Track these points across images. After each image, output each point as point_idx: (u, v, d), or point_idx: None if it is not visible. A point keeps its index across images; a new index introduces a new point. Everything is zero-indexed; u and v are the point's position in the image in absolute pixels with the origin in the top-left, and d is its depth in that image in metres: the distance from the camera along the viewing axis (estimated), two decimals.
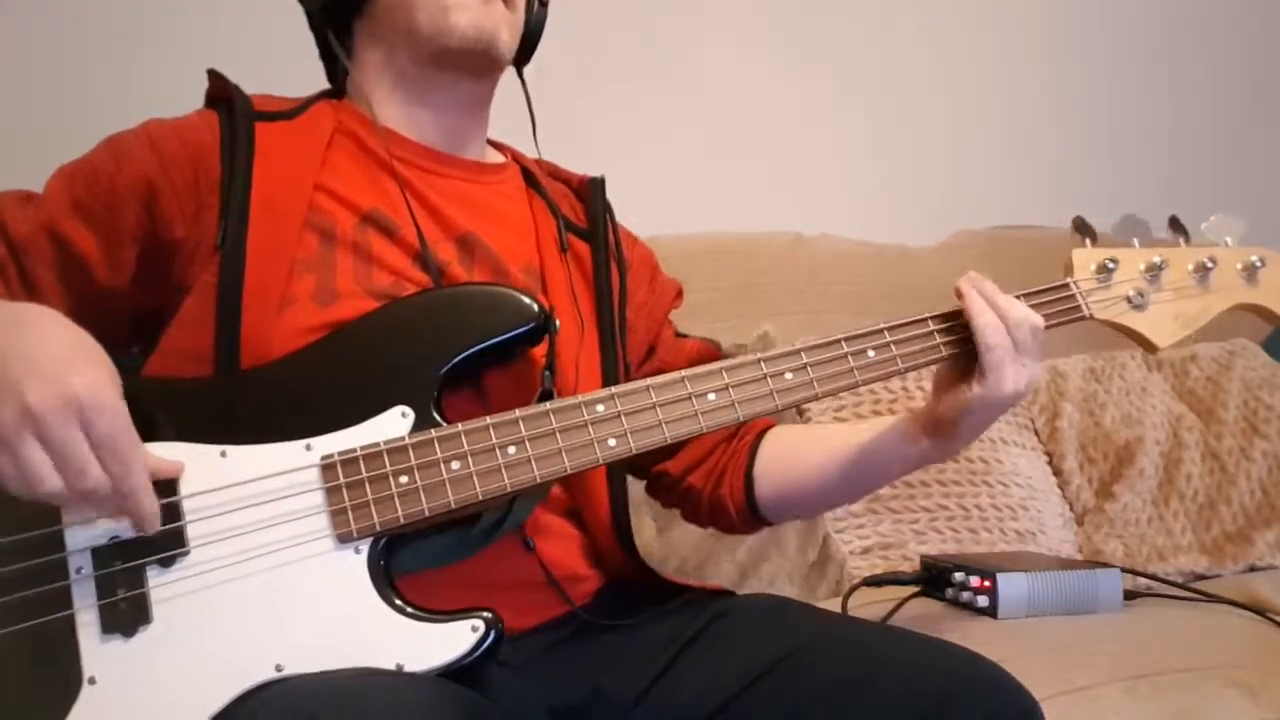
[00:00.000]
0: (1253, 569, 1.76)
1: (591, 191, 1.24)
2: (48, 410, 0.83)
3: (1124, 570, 1.51)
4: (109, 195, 1.04)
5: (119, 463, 0.85)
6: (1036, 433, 1.89)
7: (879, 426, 1.15)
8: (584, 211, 1.24)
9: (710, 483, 1.22)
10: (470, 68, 1.16)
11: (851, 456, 1.16)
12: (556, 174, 1.28)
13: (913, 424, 1.12)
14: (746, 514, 1.21)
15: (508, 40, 1.14)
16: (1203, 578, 1.73)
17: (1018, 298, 1.10)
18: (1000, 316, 1.05)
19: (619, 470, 1.14)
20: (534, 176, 1.24)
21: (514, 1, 1.16)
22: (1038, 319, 1.07)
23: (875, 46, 2.37)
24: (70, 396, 0.83)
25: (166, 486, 0.91)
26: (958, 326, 1.08)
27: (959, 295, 1.08)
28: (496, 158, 1.26)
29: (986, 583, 1.43)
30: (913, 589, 1.54)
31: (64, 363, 0.85)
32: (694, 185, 2.13)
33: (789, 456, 1.20)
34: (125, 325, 1.09)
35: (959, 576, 1.47)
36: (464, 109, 1.19)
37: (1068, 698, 1.18)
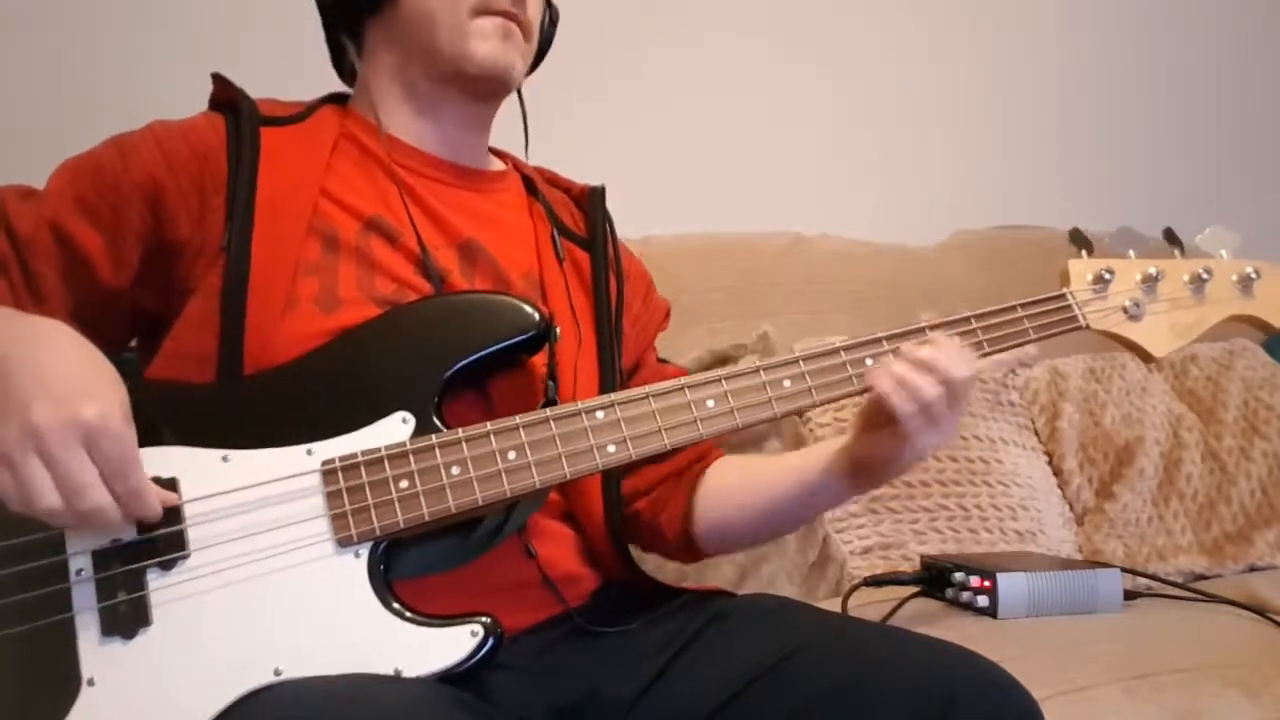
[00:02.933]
0: (1253, 569, 1.76)
1: (591, 201, 1.24)
2: (52, 429, 0.83)
3: (1124, 570, 1.51)
4: (114, 193, 1.04)
5: (128, 485, 0.86)
6: (1036, 433, 1.89)
7: (808, 467, 1.13)
8: (583, 221, 1.24)
9: (651, 510, 1.21)
10: (480, 93, 1.18)
11: (778, 495, 1.15)
12: (556, 182, 1.29)
13: (839, 464, 1.10)
14: (683, 543, 1.20)
15: (520, 70, 1.17)
16: (1203, 578, 1.73)
17: (1011, 307, 1.10)
18: (913, 397, 1.01)
19: (614, 475, 1.14)
20: (534, 184, 1.24)
21: (530, 33, 1.17)
22: (955, 379, 1.02)
23: (875, 46, 2.37)
24: (76, 417, 0.84)
25: (167, 487, 0.92)
26: (955, 336, 1.08)
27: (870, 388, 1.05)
28: (497, 165, 1.26)
29: (986, 583, 1.43)
30: (913, 589, 1.54)
31: (75, 384, 0.86)
32: (693, 185, 2.13)
33: (724, 491, 1.19)
34: (126, 325, 1.09)
35: (959, 576, 1.47)
36: (469, 125, 1.20)
37: (1068, 698, 1.18)
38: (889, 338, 1.08)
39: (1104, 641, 1.32)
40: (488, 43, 1.13)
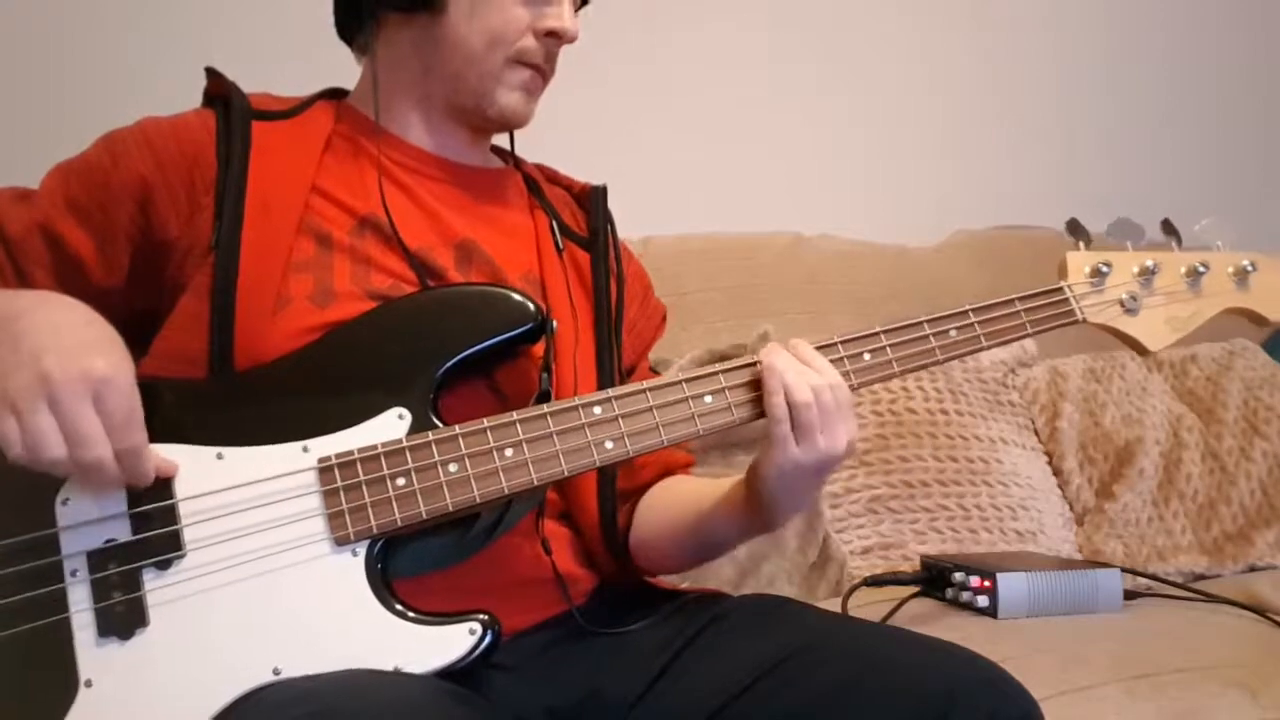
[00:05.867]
0: (1253, 569, 1.75)
1: (593, 200, 1.24)
2: (64, 378, 0.84)
3: (1124, 570, 1.51)
4: (103, 193, 1.05)
5: (128, 440, 0.86)
6: (1036, 433, 1.89)
7: (718, 486, 1.12)
8: (584, 220, 1.23)
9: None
10: (490, 130, 1.21)
11: (693, 517, 1.13)
12: (557, 180, 1.28)
13: (737, 488, 1.09)
14: (625, 555, 1.16)
15: (531, 116, 1.18)
16: (1203, 578, 1.73)
17: (1009, 301, 1.10)
18: (789, 395, 1.00)
19: (610, 474, 1.13)
20: (535, 182, 1.24)
21: (549, 80, 1.18)
22: (833, 382, 1.01)
23: (875, 46, 2.37)
24: (88, 370, 0.85)
25: (162, 489, 0.91)
26: (952, 330, 1.08)
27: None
28: (498, 164, 1.26)
29: (986, 583, 1.43)
30: (913, 589, 1.54)
31: (87, 341, 0.87)
32: (693, 185, 2.13)
33: (657, 504, 1.18)
34: (121, 326, 1.09)
35: (959, 576, 1.47)
36: (471, 139, 1.21)
37: (1068, 698, 1.18)
38: (886, 332, 1.08)
39: (1104, 641, 1.31)
40: (513, 95, 1.14)
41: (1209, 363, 1.99)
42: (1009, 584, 1.42)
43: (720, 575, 1.62)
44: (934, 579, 1.53)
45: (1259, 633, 1.39)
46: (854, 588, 1.52)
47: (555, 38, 1.14)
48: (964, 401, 1.82)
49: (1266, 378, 1.96)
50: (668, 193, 2.00)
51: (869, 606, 1.46)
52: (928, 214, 2.29)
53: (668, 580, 1.21)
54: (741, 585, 1.62)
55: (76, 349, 0.85)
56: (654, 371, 1.30)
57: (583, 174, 1.29)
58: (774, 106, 2.27)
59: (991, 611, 1.42)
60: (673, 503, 1.17)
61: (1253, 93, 2.67)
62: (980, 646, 0.96)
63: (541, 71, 1.16)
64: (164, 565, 0.90)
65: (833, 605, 1.44)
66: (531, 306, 1.03)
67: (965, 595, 1.45)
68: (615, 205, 1.25)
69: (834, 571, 1.67)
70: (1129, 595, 1.49)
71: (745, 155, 2.22)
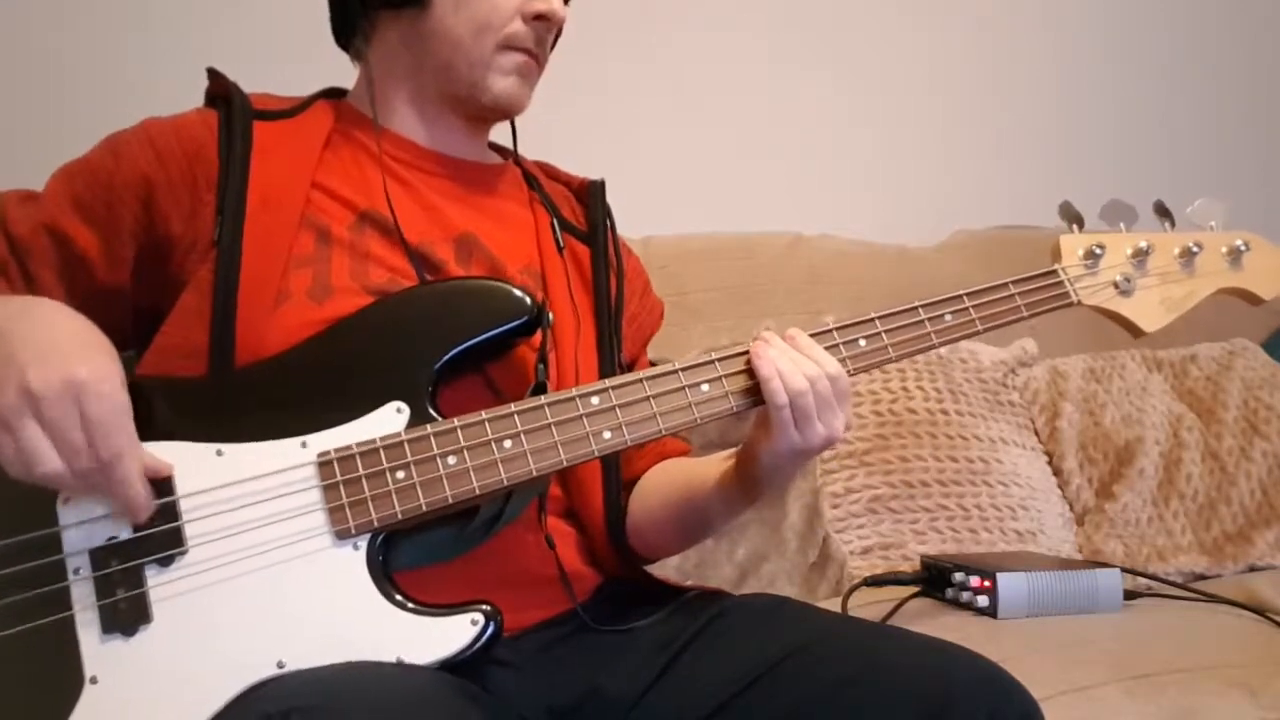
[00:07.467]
0: (1253, 569, 1.75)
1: (591, 195, 1.24)
2: (47, 390, 0.84)
3: (1124, 570, 1.51)
4: (107, 192, 1.05)
5: (109, 448, 0.86)
6: (1036, 433, 1.89)
7: (711, 466, 1.12)
8: (583, 214, 1.24)
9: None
10: (487, 119, 1.20)
11: (684, 494, 1.14)
12: (556, 175, 1.29)
13: (728, 464, 1.10)
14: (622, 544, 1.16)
15: (528, 101, 1.18)
16: (1203, 578, 1.73)
17: (1003, 285, 1.10)
18: (784, 381, 1.00)
19: (615, 469, 1.14)
20: (534, 178, 1.24)
21: (544, 65, 1.18)
22: (831, 371, 1.01)
23: (875, 46, 2.37)
24: (71, 379, 0.84)
25: (163, 485, 0.91)
26: (948, 315, 1.08)
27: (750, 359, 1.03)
28: (496, 159, 1.26)
29: (986, 583, 1.43)
30: (913, 589, 1.54)
31: (69, 350, 0.87)
32: (694, 185, 2.13)
33: (649, 491, 1.18)
34: (127, 324, 1.09)
35: (959, 576, 1.47)
36: (470, 131, 1.21)
37: (1068, 698, 1.18)
38: (882, 317, 1.08)
39: (1104, 641, 1.31)
40: (506, 80, 1.14)
41: (1209, 363, 1.99)
42: (1009, 584, 1.42)
43: (720, 575, 1.62)
44: (934, 579, 1.53)
45: (1259, 633, 1.39)
46: (854, 588, 1.52)
47: (543, 20, 1.14)
48: (964, 401, 1.82)
49: (1266, 378, 1.96)
50: (668, 193, 2.00)
51: (869, 606, 1.46)
52: (928, 214, 2.29)
53: (669, 578, 1.21)
54: (741, 585, 1.63)
55: (60, 359, 0.85)
56: (654, 365, 1.29)
57: (583, 174, 1.30)
58: (774, 106, 2.27)
59: (991, 611, 1.42)
60: (663, 483, 1.18)
61: (1254, 92, 2.68)
62: (980, 646, 0.96)
63: (533, 55, 1.15)
64: (166, 561, 0.91)
65: (833, 605, 1.44)
66: (528, 300, 1.03)
67: (965, 595, 1.45)
68: (616, 205, 1.26)
69: (834, 571, 1.67)
70: (1129, 595, 1.49)
71: (745, 155, 2.22)
